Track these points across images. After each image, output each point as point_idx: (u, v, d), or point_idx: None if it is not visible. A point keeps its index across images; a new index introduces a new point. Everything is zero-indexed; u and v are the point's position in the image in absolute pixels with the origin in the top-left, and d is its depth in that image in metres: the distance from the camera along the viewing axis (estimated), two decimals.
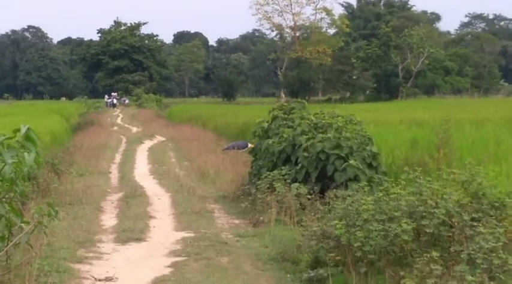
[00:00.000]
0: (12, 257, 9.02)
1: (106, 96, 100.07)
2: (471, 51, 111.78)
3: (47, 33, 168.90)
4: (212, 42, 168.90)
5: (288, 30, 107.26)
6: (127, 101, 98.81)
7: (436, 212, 8.54)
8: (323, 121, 16.15)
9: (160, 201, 18.00)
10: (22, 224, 7.94)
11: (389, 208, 8.99)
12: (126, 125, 55.72)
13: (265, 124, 17.83)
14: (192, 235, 13.64)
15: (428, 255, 8.07)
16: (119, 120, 62.86)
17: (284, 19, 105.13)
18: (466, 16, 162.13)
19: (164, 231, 14.11)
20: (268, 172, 15.46)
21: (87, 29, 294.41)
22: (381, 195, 9.42)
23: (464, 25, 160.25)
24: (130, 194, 18.83)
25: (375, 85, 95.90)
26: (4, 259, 8.66)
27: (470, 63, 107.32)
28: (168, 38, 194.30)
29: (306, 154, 14.87)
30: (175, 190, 19.55)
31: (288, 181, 14.71)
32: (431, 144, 15.31)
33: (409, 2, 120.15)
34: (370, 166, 14.44)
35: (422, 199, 8.86)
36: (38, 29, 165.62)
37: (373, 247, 8.80)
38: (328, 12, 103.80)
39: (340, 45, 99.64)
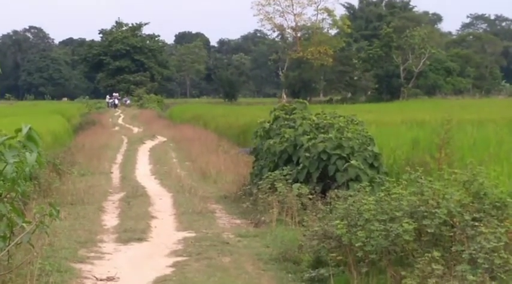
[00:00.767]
0: (14, 257, 9.05)
1: (107, 96, 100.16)
2: (473, 52, 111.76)
3: (48, 34, 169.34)
4: (213, 42, 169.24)
5: (289, 30, 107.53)
6: (128, 101, 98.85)
7: (437, 212, 8.55)
8: (324, 121, 16.15)
9: (161, 201, 18.01)
10: (24, 224, 7.94)
11: (390, 208, 8.99)
12: (127, 125, 55.76)
13: (267, 125, 17.83)
14: (193, 235, 13.64)
15: (430, 255, 8.08)
16: (120, 121, 62.88)
17: (285, 19, 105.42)
18: (468, 17, 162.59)
19: (166, 231, 14.11)
20: (269, 173, 15.48)
21: (89, 29, 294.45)
22: (382, 195, 9.42)
23: (465, 26, 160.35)
24: (132, 194, 18.84)
25: (377, 86, 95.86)
26: (6, 259, 8.67)
27: (472, 63, 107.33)
28: (169, 39, 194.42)
29: (307, 154, 14.88)
30: (177, 191, 19.56)
31: (290, 181, 14.73)
32: (433, 144, 15.30)
33: (411, 3, 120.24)
34: (371, 166, 14.45)
35: (424, 199, 8.86)
36: (40, 30, 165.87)
37: (375, 247, 8.80)
38: (330, 12, 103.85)
39: (341, 46, 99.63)
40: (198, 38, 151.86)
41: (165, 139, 39.50)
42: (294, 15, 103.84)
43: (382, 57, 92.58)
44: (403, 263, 8.81)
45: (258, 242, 12.86)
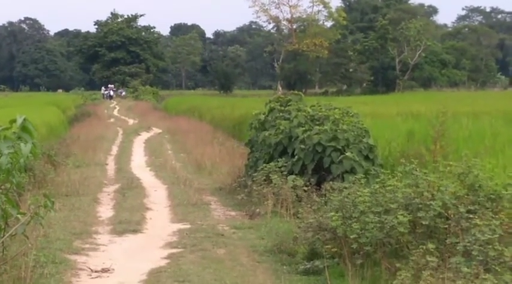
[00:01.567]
0: (9, 248, 9.04)
1: (103, 88, 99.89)
2: (468, 44, 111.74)
3: (43, 25, 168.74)
4: (209, 34, 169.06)
5: (285, 22, 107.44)
6: (124, 93, 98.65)
7: (432, 204, 8.56)
8: (320, 113, 16.14)
9: (156, 192, 18.01)
10: (18, 216, 7.94)
11: (385, 200, 9.00)
12: (122, 117, 55.68)
13: (262, 117, 17.81)
14: (188, 226, 13.65)
15: (424, 247, 8.10)
16: (115, 112, 62.80)
17: (281, 11, 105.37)
18: (463, 9, 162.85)
19: (160, 223, 14.12)
20: (264, 164, 15.47)
21: (84, 20, 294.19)
22: (377, 187, 9.44)
23: (461, 18, 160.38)
24: (127, 186, 18.83)
25: (372, 78, 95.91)
26: (0, 250, 8.66)
27: (467, 56, 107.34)
28: (165, 30, 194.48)
29: (302, 146, 14.87)
30: (172, 182, 19.56)
31: (285, 173, 14.72)
32: (428, 137, 15.29)
33: None
34: (366, 158, 14.46)
35: (419, 191, 8.88)
36: (35, 21, 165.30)
37: (369, 239, 8.82)
38: (325, 4, 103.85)
39: (337, 38, 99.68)
40: (194, 30, 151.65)
41: (160, 130, 39.47)
42: (290, 7, 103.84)
43: (378, 49, 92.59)
44: (398, 255, 8.83)
45: (252, 234, 12.87)
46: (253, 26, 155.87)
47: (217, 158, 23.05)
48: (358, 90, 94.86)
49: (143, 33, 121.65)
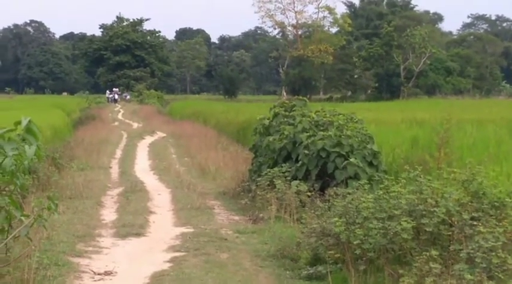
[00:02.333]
0: (12, 250, 9.04)
1: (107, 91, 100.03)
2: (473, 52, 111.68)
3: (49, 28, 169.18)
4: (214, 39, 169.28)
5: (290, 28, 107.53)
6: (128, 97, 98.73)
7: (436, 211, 8.55)
8: (324, 119, 16.15)
9: (160, 196, 18.02)
10: (22, 218, 7.94)
11: (389, 206, 8.99)
12: (127, 121, 55.71)
13: (266, 122, 17.81)
14: (191, 230, 13.65)
15: (428, 254, 8.08)
16: (120, 116, 62.84)
17: (286, 17, 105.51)
18: (469, 17, 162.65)
19: (164, 226, 14.12)
20: (268, 169, 15.47)
21: (90, 24, 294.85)
22: (381, 193, 9.42)
23: (466, 26, 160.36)
24: (131, 189, 18.84)
25: (377, 84, 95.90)
26: (3, 252, 8.67)
27: (472, 64, 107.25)
28: (170, 35, 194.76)
29: (306, 151, 14.87)
30: (176, 186, 19.56)
31: (288, 178, 14.71)
32: (432, 144, 15.29)
33: (412, 2, 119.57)
34: (370, 164, 14.44)
35: (423, 197, 8.86)
36: (41, 24, 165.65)
37: (373, 245, 8.80)
38: (331, 10, 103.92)
39: (342, 44, 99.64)
40: (199, 34, 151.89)
41: (164, 135, 39.49)
42: (295, 12, 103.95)
43: (383, 56, 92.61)
44: (401, 262, 8.82)
45: (256, 238, 12.86)
46: (259, 31, 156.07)
47: (221, 162, 23.05)
48: (363, 97, 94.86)
49: (148, 37, 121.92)
